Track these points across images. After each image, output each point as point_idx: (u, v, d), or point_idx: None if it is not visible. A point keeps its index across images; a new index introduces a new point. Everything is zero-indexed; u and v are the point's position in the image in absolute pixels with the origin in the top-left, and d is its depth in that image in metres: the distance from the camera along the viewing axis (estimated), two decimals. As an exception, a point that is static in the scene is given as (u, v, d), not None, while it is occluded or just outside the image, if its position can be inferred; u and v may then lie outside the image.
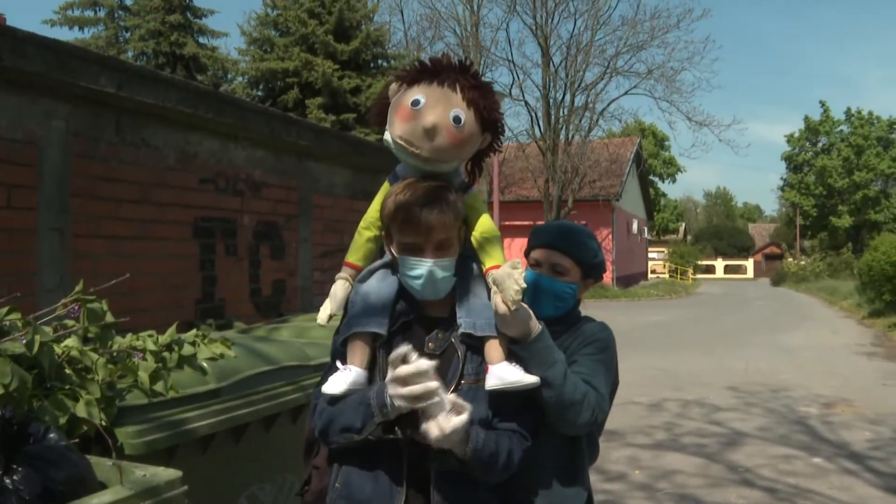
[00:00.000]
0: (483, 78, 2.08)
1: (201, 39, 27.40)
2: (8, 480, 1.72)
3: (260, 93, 24.70)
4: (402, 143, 1.94)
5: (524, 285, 1.89)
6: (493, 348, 1.94)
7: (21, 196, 3.73)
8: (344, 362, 1.96)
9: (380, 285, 2.03)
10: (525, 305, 1.97)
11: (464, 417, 1.79)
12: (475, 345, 1.95)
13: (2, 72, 3.56)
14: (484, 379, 1.94)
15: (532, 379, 1.91)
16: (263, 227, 5.57)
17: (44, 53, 3.65)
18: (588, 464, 2.36)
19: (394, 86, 2.03)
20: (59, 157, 3.92)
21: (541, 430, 2.14)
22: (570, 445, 2.25)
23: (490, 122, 2.01)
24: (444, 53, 2.10)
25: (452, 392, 1.91)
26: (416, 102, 1.92)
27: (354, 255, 2.13)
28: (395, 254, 1.97)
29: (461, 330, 1.94)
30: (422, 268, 1.91)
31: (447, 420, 1.78)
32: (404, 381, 1.79)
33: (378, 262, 2.09)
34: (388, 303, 2.00)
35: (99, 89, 3.93)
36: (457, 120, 1.91)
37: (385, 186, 2.11)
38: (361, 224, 2.13)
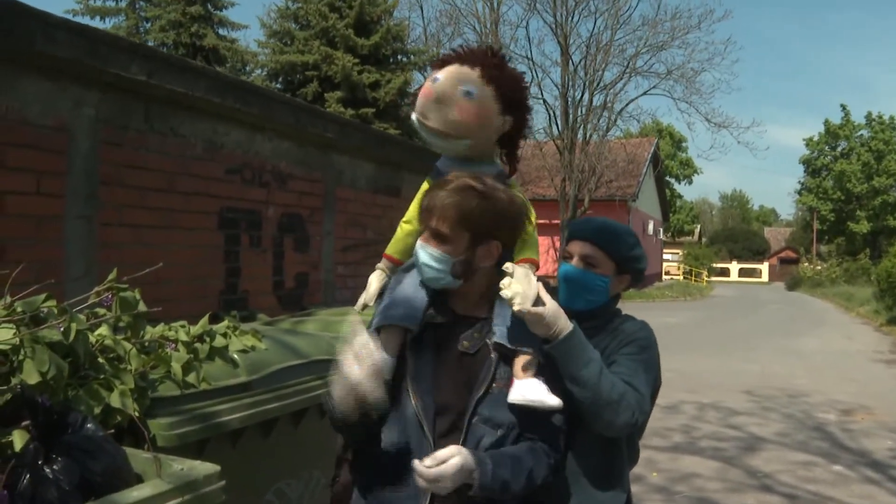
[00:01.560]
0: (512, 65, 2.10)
1: (221, 31, 27.46)
2: (48, 470, 1.69)
3: (279, 85, 24.71)
4: (419, 117, 1.98)
5: (508, 294, 1.86)
6: (522, 363, 1.93)
7: (50, 183, 3.71)
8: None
9: (419, 277, 2.02)
10: (555, 304, 1.95)
11: (454, 462, 1.78)
12: (507, 354, 1.94)
13: (34, 58, 3.54)
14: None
15: (555, 401, 1.88)
16: (288, 219, 5.54)
17: (76, 40, 3.62)
18: (628, 467, 2.32)
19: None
20: (88, 145, 3.90)
21: (578, 433, 2.10)
22: (609, 448, 2.20)
23: (513, 101, 2.01)
24: (478, 45, 2.12)
25: (484, 393, 1.91)
26: (435, 79, 1.96)
27: (393, 248, 2.16)
28: None
29: (495, 339, 1.93)
30: (419, 247, 1.94)
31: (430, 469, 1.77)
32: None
33: None
34: (425, 298, 1.99)
35: (130, 77, 3.91)
36: (468, 94, 1.92)
37: (426, 184, 2.11)
38: (403, 218, 2.13)
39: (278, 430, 2.86)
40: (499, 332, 1.93)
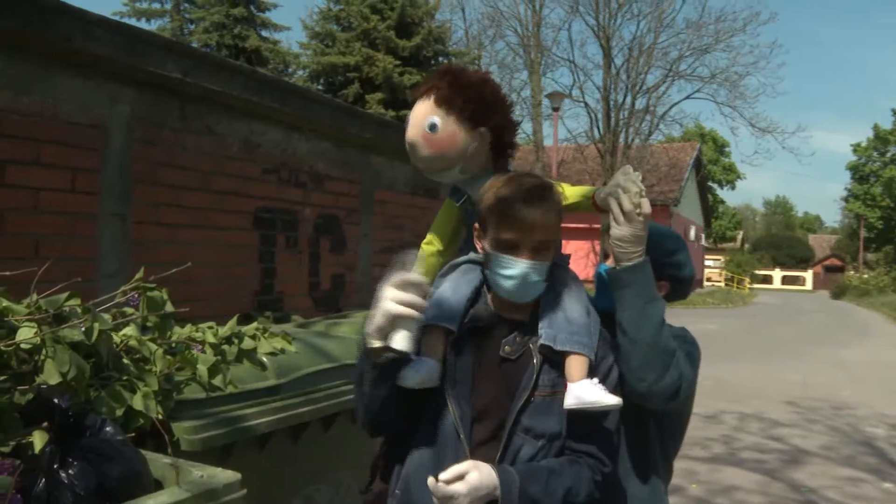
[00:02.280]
0: (475, 72, 2.06)
1: (264, 33, 27.65)
2: (63, 474, 1.64)
3: (320, 87, 24.80)
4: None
5: (642, 187, 1.83)
6: (574, 365, 1.82)
7: (84, 180, 3.70)
8: (418, 353, 1.85)
9: (460, 280, 1.93)
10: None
11: (471, 479, 1.69)
12: (553, 358, 1.83)
13: (71, 54, 3.53)
14: (559, 392, 1.82)
15: (613, 400, 1.77)
16: (324, 220, 5.49)
17: (113, 37, 3.61)
18: (665, 483, 2.22)
19: None
20: (123, 143, 3.88)
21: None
22: (646, 461, 2.12)
23: (478, 114, 1.93)
24: (437, 69, 2.08)
25: (525, 402, 1.81)
26: (406, 121, 1.97)
27: (418, 272, 2.05)
28: (487, 250, 1.86)
29: (540, 341, 1.82)
30: (516, 268, 1.79)
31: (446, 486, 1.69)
32: (400, 287, 1.71)
33: (463, 258, 2.00)
34: (464, 300, 1.89)
35: (165, 75, 3.89)
36: (432, 127, 1.90)
37: (447, 203, 2.05)
38: (425, 240, 2.07)
39: (308, 435, 2.80)
40: (545, 335, 1.82)
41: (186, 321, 2.74)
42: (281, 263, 5.06)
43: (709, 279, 51.11)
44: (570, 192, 1.99)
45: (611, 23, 29.91)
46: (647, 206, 1.84)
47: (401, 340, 1.72)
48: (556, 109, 23.06)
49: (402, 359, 1.77)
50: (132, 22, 27.12)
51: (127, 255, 3.88)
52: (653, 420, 2.12)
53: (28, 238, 3.44)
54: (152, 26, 27.95)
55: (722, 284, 50.14)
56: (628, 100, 30.49)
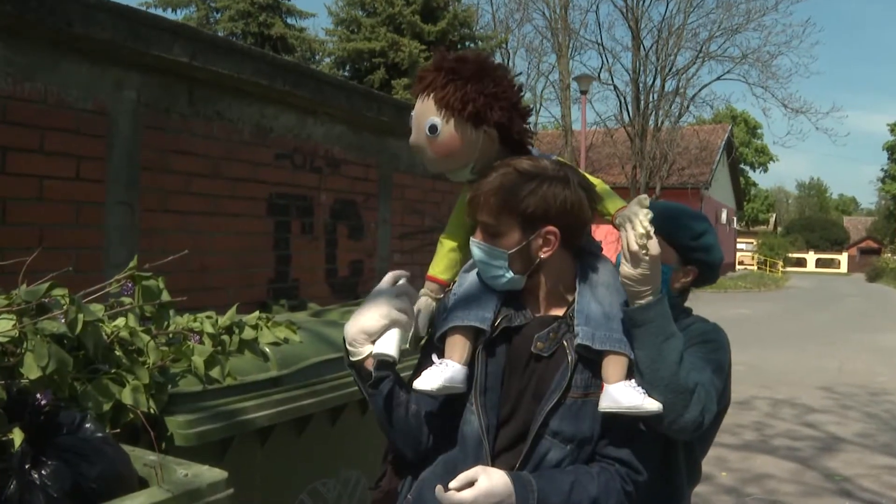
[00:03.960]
0: (474, 58, 1.83)
1: (289, 20, 27.65)
2: (35, 475, 1.54)
3: (346, 73, 24.78)
4: None
5: (649, 227, 1.65)
6: (612, 365, 1.69)
7: (90, 168, 3.62)
8: (441, 356, 1.74)
9: None
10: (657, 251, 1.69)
11: (480, 487, 1.58)
12: (590, 357, 1.70)
13: (73, 40, 3.45)
14: (593, 393, 1.69)
15: (653, 406, 1.64)
16: (341, 205, 5.39)
17: (116, 21, 3.53)
18: (689, 488, 2.09)
19: None
20: (130, 129, 3.80)
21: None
22: (667, 466, 1.99)
23: (480, 113, 1.75)
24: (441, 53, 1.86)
25: (556, 404, 1.69)
26: (410, 119, 1.84)
27: (437, 268, 1.94)
28: None
29: (578, 340, 1.69)
30: (473, 247, 1.78)
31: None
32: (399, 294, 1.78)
33: None
34: (495, 297, 1.77)
35: (172, 59, 3.80)
36: (432, 129, 1.76)
37: (466, 190, 1.92)
38: (443, 234, 1.94)
39: (312, 428, 2.69)
40: (582, 333, 1.69)
41: (196, 310, 2.65)
42: (296, 250, 4.97)
43: (741, 263, 50.63)
44: (607, 205, 1.82)
45: (639, 4, 29.59)
46: (654, 248, 1.66)
47: (391, 345, 1.71)
48: (584, 93, 22.86)
49: (391, 368, 1.75)
50: (158, 12, 27.24)
51: (136, 244, 3.80)
52: None
53: (32, 227, 3.37)
54: (178, 16, 28.04)
55: (754, 268, 49.62)
56: (658, 82, 30.21)
